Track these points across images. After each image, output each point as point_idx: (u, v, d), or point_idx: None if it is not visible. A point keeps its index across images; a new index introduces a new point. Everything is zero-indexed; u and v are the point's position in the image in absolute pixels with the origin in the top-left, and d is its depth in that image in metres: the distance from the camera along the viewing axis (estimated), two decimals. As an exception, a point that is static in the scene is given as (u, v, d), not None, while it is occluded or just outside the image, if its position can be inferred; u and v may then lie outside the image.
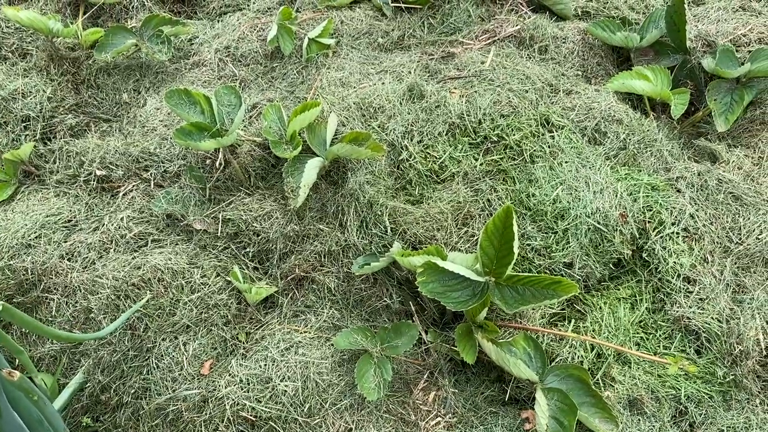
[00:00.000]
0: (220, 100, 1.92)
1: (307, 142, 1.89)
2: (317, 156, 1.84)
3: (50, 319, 1.82)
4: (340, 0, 2.51)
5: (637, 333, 1.73)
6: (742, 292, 1.76)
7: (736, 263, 1.79)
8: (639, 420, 1.59)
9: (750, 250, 1.80)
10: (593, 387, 1.50)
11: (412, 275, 1.76)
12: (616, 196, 1.83)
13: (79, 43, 2.38)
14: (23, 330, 1.84)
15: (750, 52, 2.11)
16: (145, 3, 2.57)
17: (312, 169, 1.78)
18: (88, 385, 1.72)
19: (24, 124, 2.21)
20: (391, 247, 1.73)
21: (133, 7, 2.55)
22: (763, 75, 2.03)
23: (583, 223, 1.78)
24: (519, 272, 1.75)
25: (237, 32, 2.39)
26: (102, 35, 2.30)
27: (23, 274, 1.85)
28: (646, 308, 1.76)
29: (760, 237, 1.81)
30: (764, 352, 1.70)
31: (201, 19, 2.59)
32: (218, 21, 2.52)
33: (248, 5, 2.57)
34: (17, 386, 1.25)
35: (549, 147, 1.91)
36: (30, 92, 2.24)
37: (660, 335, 1.73)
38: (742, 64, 2.06)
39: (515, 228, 1.45)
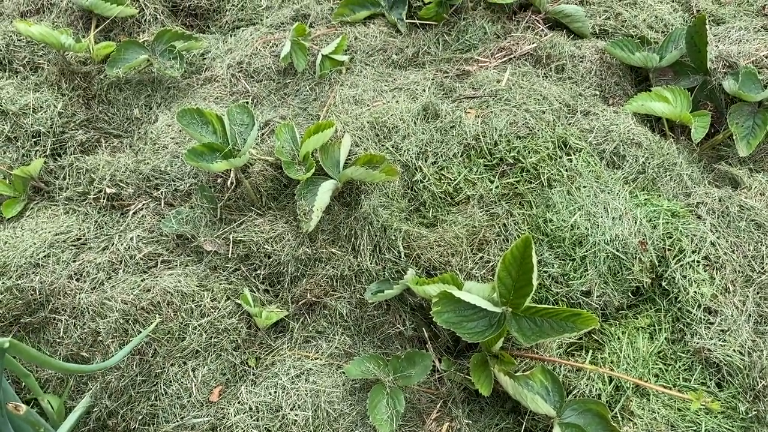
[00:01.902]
0: (232, 119, 1.89)
1: (321, 163, 1.86)
2: (331, 178, 1.81)
3: (57, 340, 1.80)
4: (354, 16, 2.48)
5: (656, 364, 1.68)
6: (765, 323, 1.71)
7: (758, 293, 1.75)
8: (658, 456, 1.54)
9: (773, 280, 1.75)
10: (612, 423, 1.46)
11: (426, 302, 1.73)
12: (636, 222, 1.78)
13: (91, 57, 2.36)
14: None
15: (772, 74, 2.07)
16: (158, 16, 2.55)
17: (325, 192, 1.75)
18: (95, 409, 1.69)
19: (34, 140, 2.19)
20: (405, 272, 1.70)
21: (145, 20, 2.53)
22: (786, 99, 1.99)
23: (601, 250, 1.74)
24: (536, 301, 1.72)
25: (250, 47, 2.36)
26: (114, 50, 2.28)
27: (31, 294, 1.83)
28: (666, 338, 1.72)
29: (783, 266, 1.76)
30: (787, 386, 1.65)
31: (213, 33, 2.57)
32: (231, 35, 2.50)
33: (261, 20, 2.54)
34: (24, 419, 1.22)
35: (566, 170, 1.87)
36: (41, 107, 2.22)
37: (680, 367, 1.68)
38: (765, 86, 2.01)
39: (534, 259, 1.41)
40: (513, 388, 1.48)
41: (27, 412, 1.21)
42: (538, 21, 2.41)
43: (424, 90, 2.18)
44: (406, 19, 2.48)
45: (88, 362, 1.75)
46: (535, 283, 1.43)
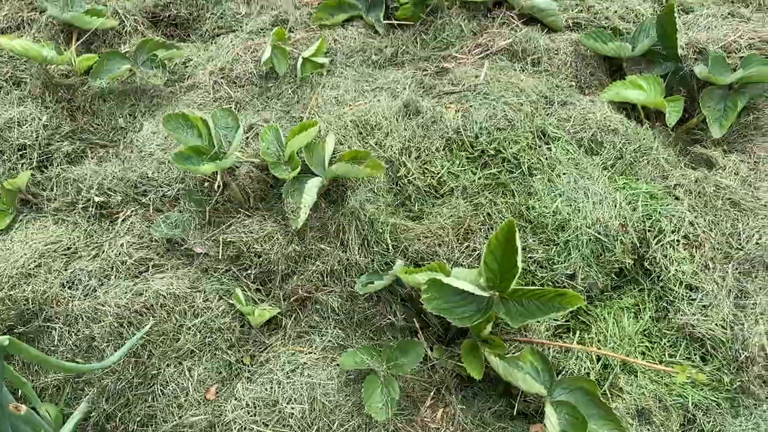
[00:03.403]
0: (217, 122, 1.92)
1: (306, 162, 1.89)
2: (316, 176, 1.84)
3: (52, 348, 1.81)
4: (333, 19, 2.52)
5: (642, 342, 1.73)
6: (745, 297, 1.77)
7: (737, 269, 1.80)
8: (648, 430, 1.58)
9: (750, 255, 1.80)
10: (601, 399, 1.50)
11: (416, 292, 1.76)
12: (615, 206, 1.83)
13: (73, 69, 2.38)
14: (24, 361, 1.82)
15: (741, 58, 2.13)
16: (138, 28, 2.58)
17: (312, 189, 1.78)
18: (93, 414, 1.71)
19: (20, 153, 2.20)
20: (393, 264, 1.73)
21: (126, 31, 2.56)
22: (755, 81, 2.05)
23: (583, 234, 1.78)
24: (522, 285, 1.76)
25: (231, 54, 2.40)
26: (96, 61, 2.30)
27: (24, 304, 1.83)
28: (650, 317, 1.76)
29: (759, 242, 1.82)
30: (767, 355, 1.71)
31: (194, 42, 2.60)
32: (212, 43, 2.53)
33: (241, 27, 2.58)
34: (24, 420, 1.24)
35: (546, 159, 1.92)
36: (26, 121, 2.24)
37: (665, 343, 1.73)
38: (734, 70, 2.08)
39: (518, 242, 1.45)
40: (504, 370, 1.51)
41: (27, 412, 1.23)
42: (512, 17, 2.47)
43: (405, 88, 2.22)
44: (384, 20, 2.52)
45: (83, 368, 1.76)
46: (520, 265, 1.47)
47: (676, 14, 2.13)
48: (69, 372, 1.67)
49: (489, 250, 1.49)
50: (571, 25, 2.45)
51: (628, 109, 2.25)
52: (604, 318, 1.76)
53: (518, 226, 1.81)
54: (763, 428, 1.60)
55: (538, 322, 1.71)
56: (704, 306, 1.73)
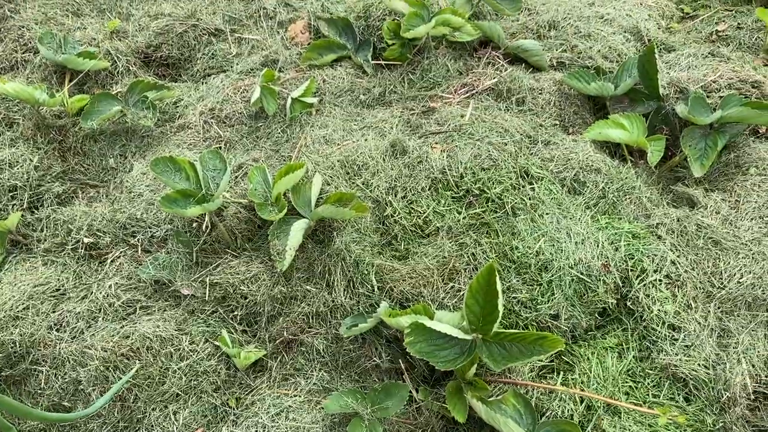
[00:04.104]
0: (205, 164, 1.95)
1: (293, 203, 1.91)
2: (303, 217, 1.87)
3: (39, 391, 1.81)
4: (322, 59, 2.56)
5: (626, 382, 1.74)
6: (728, 336, 1.78)
7: (719, 308, 1.82)
8: (632, 472, 1.59)
9: (732, 294, 1.82)
10: (584, 442, 1.51)
11: (401, 333, 1.77)
12: (598, 245, 1.85)
13: (65, 110, 2.42)
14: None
15: (721, 97, 2.17)
16: (130, 68, 2.62)
17: (298, 231, 1.80)
18: (78, 459, 1.71)
19: (11, 194, 2.23)
20: (379, 306, 1.74)
21: (118, 72, 2.60)
22: (734, 120, 2.09)
23: (566, 274, 1.80)
24: (506, 326, 1.77)
25: (221, 94, 2.43)
26: (87, 102, 2.34)
27: (11, 347, 1.84)
28: (634, 356, 1.77)
29: (741, 280, 1.83)
30: (752, 397, 1.71)
31: (186, 82, 2.64)
32: (203, 83, 2.57)
33: (231, 67, 2.62)
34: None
35: (530, 199, 1.94)
36: (17, 162, 2.27)
37: (648, 383, 1.73)
38: (714, 110, 2.11)
39: (499, 285, 1.47)
40: (486, 414, 1.52)
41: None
42: (498, 57, 2.51)
43: (392, 127, 2.25)
44: (372, 60, 2.57)
45: (70, 411, 1.76)
46: (500, 308, 1.48)
47: (656, 55, 2.17)
48: (52, 422, 1.67)
49: (471, 293, 1.50)
50: (555, 64, 2.50)
51: (611, 146, 2.29)
52: (588, 358, 1.77)
53: (502, 266, 1.83)
54: (747, 470, 1.61)
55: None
56: (687, 346, 1.74)
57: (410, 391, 1.70)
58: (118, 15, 2.91)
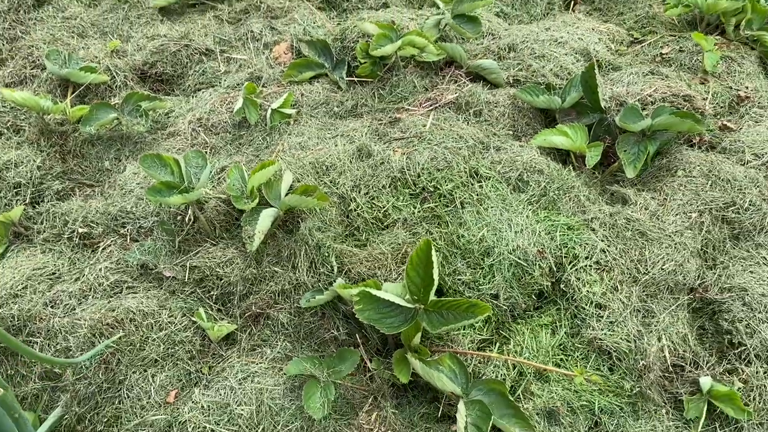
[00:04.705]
0: (188, 162, 2.19)
1: (265, 197, 2.15)
2: (273, 207, 2.10)
3: (33, 361, 2.02)
4: (301, 76, 2.83)
5: (557, 355, 1.94)
6: (650, 316, 1.99)
7: (644, 291, 2.03)
8: (557, 430, 1.78)
9: (656, 279, 2.04)
10: (511, 399, 1.71)
11: (356, 309, 1.98)
12: (535, 235, 2.08)
13: (67, 118, 2.67)
14: (7, 371, 2.03)
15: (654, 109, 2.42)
16: (128, 83, 2.89)
17: (266, 217, 2.03)
18: (66, 417, 1.91)
19: (15, 191, 2.47)
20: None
21: (116, 86, 2.87)
22: (663, 128, 2.33)
23: (505, 259, 2.02)
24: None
25: (209, 106, 2.69)
26: (87, 111, 2.60)
27: (10, 321, 2.06)
28: (565, 333, 1.98)
29: (664, 267, 2.05)
30: (670, 368, 1.92)
31: (177, 96, 2.91)
32: (193, 97, 2.84)
33: (220, 83, 2.89)
34: (2, 402, 1.45)
35: (477, 195, 2.18)
36: (22, 162, 2.51)
37: (578, 356, 1.94)
38: (644, 117, 2.36)
39: (435, 258, 1.69)
40: (422, 370, 1.73)
41: (4, 395, 1.44)
42: (461, 75, 2.78)
43: (361, 135, 2.50)
44: (347, 77, 2.83)
45: (60, 378, 1.97)
46: (436, 278, 1.70)
47: (597, 71, 2.43)
48: (45, 362, 1.87)
49: (411, 265, 1.72)
50: (512, 81, 2.76)
51: (563, 154, 2.52)
52: (524, 333, 1.98)
53: (450, 252, 2.05)
54: (660, 430, 1.80)
55: (462, 335, 1.93)
56: (611, 322, 1.95)
57: (364, 360, 1.91)
58: (119, 37, 3.20)
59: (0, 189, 2.45)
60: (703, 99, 2.59)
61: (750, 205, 2.19)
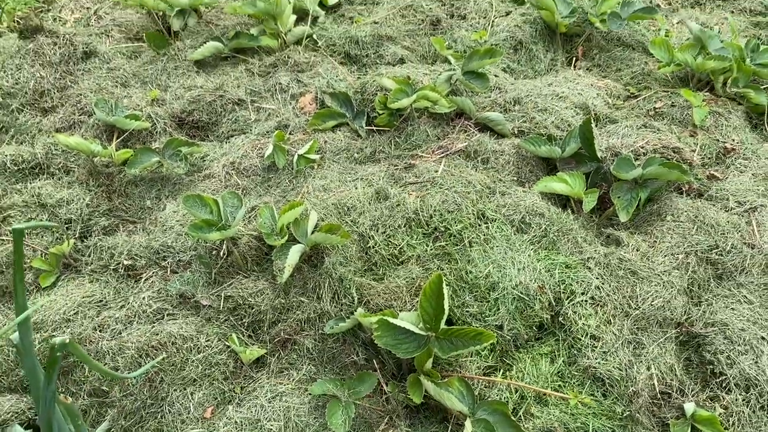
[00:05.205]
0: (225, 202, 2.45)
1: (293, 234, 2.40)
2: (300, 243, 2.34)
3: (82, 380, 2.25)
4: (324, 125, 3.11)
5: (555, 381, 2.15)
6: (641, 347, 2.20)
7: (635, 324, 2.24)
8: (554, 448, 1.98)
9: (646, 314, 2.25)
10: (513, 419, 1.91)
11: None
12: (536, 272, 2.31)
13: (113, 161, 2.96)
14: (59, 389, 2.25)
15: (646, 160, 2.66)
16: (167, 129, 3.18)
17: (295, 252, 2.27)
18: (112, 430, 2.13)
19: (66, 226, 2.74)
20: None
21: (156, 132, 3.16)
22: (654, 177, 2.57)
23: (509, 293, 2.24)
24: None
25: (241, 151, 2.97)
26: (132, 154, 2.88)
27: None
28: (563, 361, 2.19)
29: (653, 303, 2.26)
30: (658, 395, 2.11)
31: (212, 141, 3.19)
32: (226, 142, 3.12)
33: (251, 130, 3.17)
34: (68, 410, 1.69)
35: (484, 235, 2.41)
36: (72, 200, 2.79)
37: (574, 382, 2.14)
38: (636, 167, 2.60)
39: (445, 290, 1.92)
40: (434, 391, 1.94)
41: (72, 404, 1.67)
42: (470, 125, 3.05)
43: (379, 179, 2.76)
44: (366, 126, 3.11)
45: (107, 394, 2.20)
46: (446, 308, 1.93)
47: (593, 125, 2.68)
48: (109, 377, 2.10)
49: (425, 296, 1.95)
50: (516, 132, 3.02)
51: (563, 199, 2.77)
52: (525, 361, 2.19)
53: (458, 286, 2.28)
54: (648, 449, 1.99)
55: (470, 361, 2.14)
56: (604, 352, 2.15)
57: (381, 383, 2.12)
58: (158, 86, 3.51)
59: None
60: (692, 151, 2.83)
61: (732, 248, 2.42)
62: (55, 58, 3.47)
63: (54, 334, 2.31)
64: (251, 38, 3.57)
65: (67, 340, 1.57)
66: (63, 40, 3.53)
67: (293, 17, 3.67)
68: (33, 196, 2.78)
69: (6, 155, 2.95)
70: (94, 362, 1.72)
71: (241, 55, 3.63)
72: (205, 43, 3.59)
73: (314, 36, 3.67)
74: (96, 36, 3.83)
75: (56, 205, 2.76)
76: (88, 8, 4.16)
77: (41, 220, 2.72)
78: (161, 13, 3.89)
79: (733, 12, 4.40)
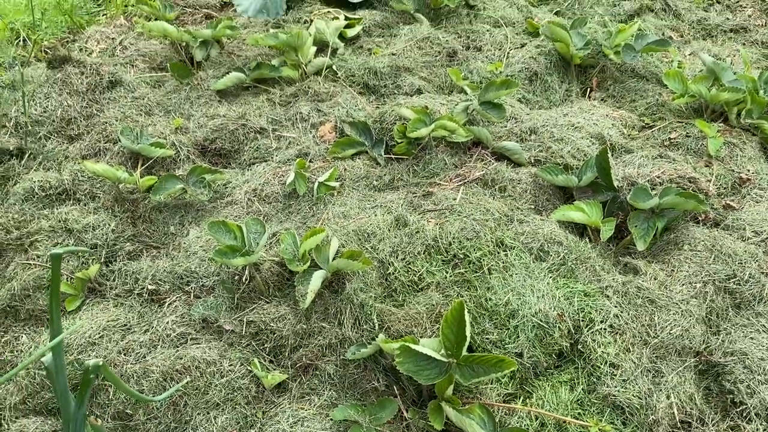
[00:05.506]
0: (248, 228, 2.50)
1: (314, 260, 2.44)
2: (321, 269, 2.39)
3: (107, 402, 2.28)
4: (344, 153, 3.17)
5: (575, 409, 2.16)
6: (660, 376, 2.21)
7: (653, 353, 2.25)
8: (575, 476, 1.98)
9: (664, 342, 2.26)
10: (534, 445, 1.93)
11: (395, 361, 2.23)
12: (555, 300, 2.33)
13: (138, 187, 3.03)
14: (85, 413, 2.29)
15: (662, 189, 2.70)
16: (190, 156, 3.26)
17: (317, 278, 2.32)
18: (136, 453, 2.15)
19: (92, 251, 2.79)
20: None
21: (180, 159, 3.23)
22: (670, 207, 2.60)
23: (529, 321, 2.27)
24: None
25: (263, 178, 3.03)
26: (156, 181, 2.95)
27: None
28: (582, 389, 2.20)
29: (672, 332, 2.28)
30: (678, 424, 2.12)
31: (234, 169, 3.26)
32: (248, 170, 3.19)
33: (272, 158, 3.24)
34: (99, 431, 1.72)
35: (503, 263, 2.45)
36: (98, 226, 2.85)
37: (593, 410, 2.15)
38: (653, 197, 2.63)
39: (467, 317, 1.95)
40: (456, 417, 1.96)
41: (100, 426, 1.70)
42: (486, 154, 3.10)
43: (397, 206, 2.81)
44: (384, 154, 3.17)
45: (131, 418, 2.23)
46: (468, 335, 1.96)
47: (609, 155, 2.73)
48: (136, 399, 2.13)
49: (446, 323, 1.98)
50: (533, 161, 3.07)
51: (580, 228, 2.80)
52: (545, 388, 2.20)
53: (478, 313, 2.31)
54: (669, 478, 1.99)
55: (490, 388, 2.16)
56: (624, 380, 2.17)
57: (401, 410, 2.14)
58: (181, 115, 3.59)
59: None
60: (708, 181, 2.87)
61: (749, 277, 2.43)
62: (82, 87, 3.57)
63: (79, 357, 2.35)
64: (273, 69, 3.66)
65: (100, 363, 1.61)
66: (90, 69, 3.64)
67: (313, 49, 3.77)
68: (60, 222, 2.85)
69: (34, 181, 3.03)
70: (125, 385, 1.76)
71: (263, 85, 3.72)
72: (227, 73, 3.68)
73: (334, 67, 3.75)
74: (121, 66, 3.94)
75: (82, 231, 2.82)
76: (113, 39, 4.28)
77: (68, 245, 2.78)
78: (184, 44, 4.00)
79: (744, 44, 4.47)
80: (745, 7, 5.03)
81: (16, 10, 4.75)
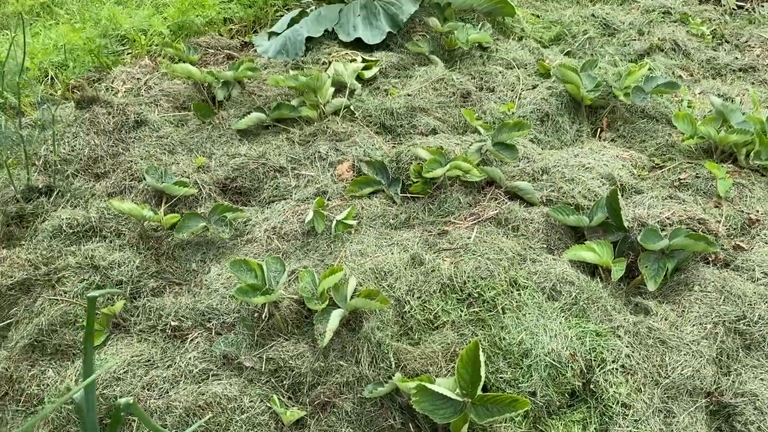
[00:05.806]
0: (268, 266, 2.59)
1: (333, 298, 2.52)
2: (339, 308, 2.46)
3: (129, 437, 2.35)
4: (361, 192, 3.27)
5: (588, 448, 2.20)
6: (671, 416, 2.25)
7: (665, 393, 2.30)
8: None
9: (676, 383, 2.30)
10: (547, 485, 1.97)
11: (411, 400, 2.28)
12: (567, 339, 2.38)
13: (161, 225, 3.13)
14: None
15: (672, 230, 2.76)
16: (211, 195, 3.37)
17: (335, 317, 2.39)
18: (158, 487, 2.21)
19: (117, 287, 2.89)
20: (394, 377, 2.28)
21: (202, 197, 3.34)
22: (680, 248, 2.66)
23: (542, 360, 2.32)
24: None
25: (282, 216, 3.13)
26: (179, 219, 3.05)
27: (113, 401, 2.41)
28: (595, 428, 2.24)
29: (682, 372, 2.32)
30: (690, 464, 2.15)
31: (254, 206, 3.36)
32: (268, 208, 3.29)
33: (291, 196, 3.34)
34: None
35: (516, 302, 2.51)
36: (123, 263, 2.95)
37: (606, 450, 2.19)
38: (662, 238, 2.69)
39: (481, 357, 2.01)
40: (471, 456, 2.01)
41: (129, 461, 1.77)
42: (500, 193, 3.18)
43: (413, 245, 2.89)
44: (401, 193, 3.26)
45: (153, 452, 2.29)
46: (483, 375, 2.02)
47: (619, 196, 2.80)
48: None
49: (461, 363, 2.05)
50: (545, 201, 3.14)
51: (591, 267, 2.86)
52: (558, 428, 2.25)
53: (492, 352, 2.37)
54: None
55: (504, 427, 2.21)
56: (636, 420, 2.21)
57: (417, 446, 2.19)
58: (203, 154, 3.71)
59: (105, 285, 2.87)
60: (717, 221, 2.92)
61: (759, 318, 2.48)
62: (109, 126, 3.70)
63: (104, 391, 2.43)
64: (292, 109, 3.78)
65: (131, 402, 1.69)
66: (116, 109, 3.78)
67: (332, 89, 3.89)
68: (86, 258, 2.95)
69: (62, 218, 3.15)
70: (153, 423, 1.83)
71: (282, 124, 3.84)
72: (249, 113, 3.81)
73: (351, 107, 3.88)
74: (146, 105, 4.08)
75: (108, 267, 2.92)
76: (138, 79, 4.44)
77: (94, 281, 2.87)
78: (207, 84, 4.14)
79: (753, 83, 4.55)
80: (753, 47, 5.13)
81: (45, 50, 4.94)
